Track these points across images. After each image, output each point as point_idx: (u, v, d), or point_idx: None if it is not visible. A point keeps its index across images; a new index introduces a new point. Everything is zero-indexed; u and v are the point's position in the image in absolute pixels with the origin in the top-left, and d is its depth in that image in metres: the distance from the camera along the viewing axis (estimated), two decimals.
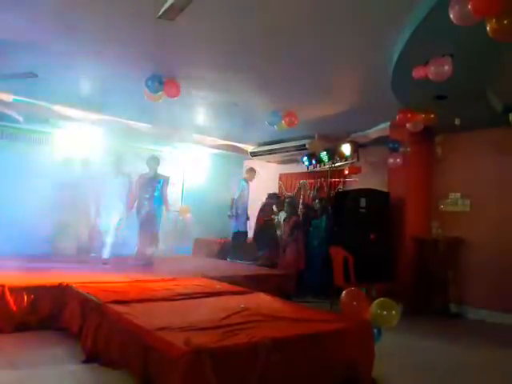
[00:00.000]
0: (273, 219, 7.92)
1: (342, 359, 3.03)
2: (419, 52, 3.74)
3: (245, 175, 8.50)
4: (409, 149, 6.08)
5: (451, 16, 2.71)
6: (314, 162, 7.85)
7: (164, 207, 6.84)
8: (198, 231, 9.09)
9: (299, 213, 7.70)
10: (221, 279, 5.19)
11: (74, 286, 4.20)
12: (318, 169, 8.16)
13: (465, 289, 6.17)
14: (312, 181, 8.75)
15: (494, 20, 2.57)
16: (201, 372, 2.36)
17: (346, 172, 7.57)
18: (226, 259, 8.08)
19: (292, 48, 4.21)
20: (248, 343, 2.63)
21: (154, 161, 6.78)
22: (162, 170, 6.93)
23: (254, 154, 9.05)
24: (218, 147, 9.01)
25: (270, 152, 8.54)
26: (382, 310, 3.30)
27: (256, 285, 5.13)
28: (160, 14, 3.05)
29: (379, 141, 6.81)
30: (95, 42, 4.32)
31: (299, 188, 9.05)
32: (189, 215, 9.01)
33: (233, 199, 8.14)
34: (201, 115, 7.10)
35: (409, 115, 5.11)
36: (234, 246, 8.17)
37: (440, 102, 4.95)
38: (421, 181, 6.68)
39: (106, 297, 3.71)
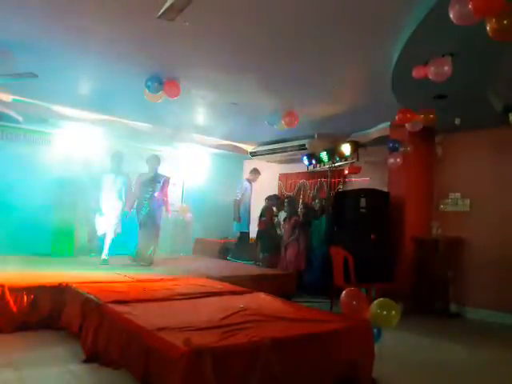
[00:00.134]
0: (274, 222, 7.90)
1: (342, 359, 3.03)
2: (419, 52, 3.75)
3: (248, 176, 8.49)
4: (409, 148, 6.07)
5: (451, 16, 2.71)
6: (313, 161, 7.85)
7: (164, 207, 6.84)
8: (198, 231, 9.09)
9: (299, 213, 7.69)
10: (221, 279, 5.19)
11: (73, 285, 4.20)
12: (317, 169, 8.16)
13: (465, 289, 6.17)
14: (312, 181, 8.76)
15: (493, 20, 2.57)
16: (201, 372, 2.36)
17: (346, 172, 7.57)
18: (226, 259, 8.08)
19: (292, 48, 4.21)
20: (248, 343, 2.62)
21: (155, 160, 6.75)
22: (162, 170, 6.94)
23: (253, 154, 9.05)
24: (218, 147, 9.01)
25: (270, 152, 8.54)
26: (382, 309, 3.30)
27: (256, 285, 5.13)
28: (160, 13, 3.05)
29: (379, 141, 6.81)
30: (95, 42, 4.32)
31: (299, 188, 9.05)
32: (189, 215, 9.01)
33: (235, 200, 8.09)
34: (201, 115, 7.10)
35: (408, 115, 5.11)
36: (236, 246, 8.17)
37: (440, 101, 4.95)
38: (421, 181, 6.68)
39: (106, 297, 3.71)
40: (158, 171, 6.78)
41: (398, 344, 4.25)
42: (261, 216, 7.86)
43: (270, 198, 8.09)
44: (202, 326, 2.91)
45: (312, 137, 7.65)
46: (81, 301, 3.87)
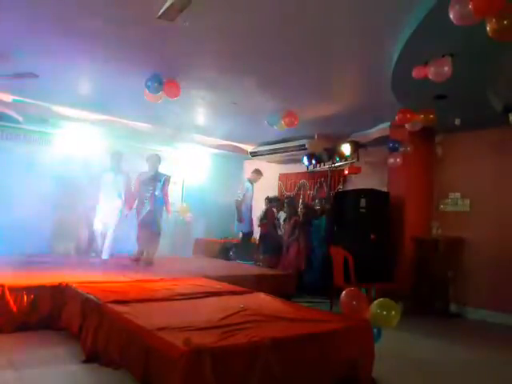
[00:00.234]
0: (275, 223, 7.90)
1: (342, 359, 3.03)
2: (419, 52, 3.75)
3: (250, 176, 8.46)
4: (409, 148, 6.07)
5: (451, 16, 2.71)
6: (313, 161, 7.85)
7: (165, 207, 6.83)
8: (199, 231, 9.09)
9: (299, 213, 7.69)
10: (221, 279, 5.19)
11: (73, 285, 4.19)
12: (317, 169, 8.16)
13: (465, 289, 6.17)
14: (312, 181, 8.76)
15: (493, 20, 2.58)
16: (200, 372, 2.36)
17: (346, 172, 7.57)
18: (226, 259, 8.07)
19: (292, 48, 4.21)
20: (248, 343, 2.62)
21: (155, 158, 6.71)
22: (162, 170, 6.93)
23: (253, 154, 9.04)
24: (218, 147, 9.01)
25: (270, 152, 8.54)
26: (382, 310, 3.30)
27: (256, 285, 5.13)
28: (160, 14, 3.05)
29: (379, 141, 6.81)
30: (95, 42, 4.32)
31: (299, 188, 9.05)
32: (189, 215, 8.99)
33: (236, 201, 8.06)
34: (201, 115, 7.10)
35: (408, 115, 5.12)
36: (238, 246, 8.16)
37: (440, 101, 4.95)
38: (421, 181, 6.68)
39: (106, 297, 3.71)
40: (158, 170, 6.76)
41: (398, 344, 4.25)
42: (262, 219, 7.84)
43: (270, 200, 8.08)
44: (201, 326, 2.90)
45: (312, 137, 7.65)
46: (81, 301, 3.87)
